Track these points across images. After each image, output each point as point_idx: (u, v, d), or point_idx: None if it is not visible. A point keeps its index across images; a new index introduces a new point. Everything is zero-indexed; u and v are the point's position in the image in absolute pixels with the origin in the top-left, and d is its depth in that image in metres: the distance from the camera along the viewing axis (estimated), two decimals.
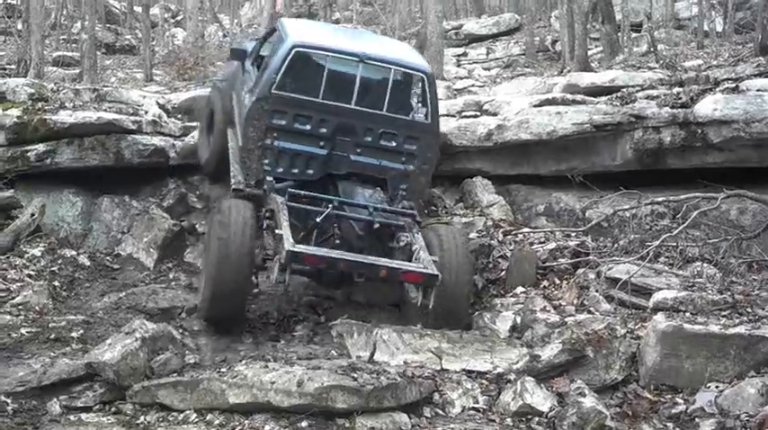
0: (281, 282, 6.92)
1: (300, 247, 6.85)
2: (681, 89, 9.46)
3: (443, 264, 7.18)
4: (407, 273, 6.99)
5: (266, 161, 7.95)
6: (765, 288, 7.20)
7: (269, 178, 7.81)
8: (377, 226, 7.53)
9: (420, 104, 8.29)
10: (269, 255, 7.12)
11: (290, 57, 7.93)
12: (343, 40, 8.57)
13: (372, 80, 8.24)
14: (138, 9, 20.04)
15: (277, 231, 7.08)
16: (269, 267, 7.09)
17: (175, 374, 6.17)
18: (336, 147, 8.05)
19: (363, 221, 7.60)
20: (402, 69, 8.25)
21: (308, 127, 7.97)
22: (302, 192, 7.64)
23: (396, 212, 7.82)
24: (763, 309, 6.83)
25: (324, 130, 7.99)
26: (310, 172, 8.05)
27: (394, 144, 8.13)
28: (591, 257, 8.11)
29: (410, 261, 7.21)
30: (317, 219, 7.42)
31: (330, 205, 7.48)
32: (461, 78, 17.41)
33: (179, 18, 25.02)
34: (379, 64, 8.13)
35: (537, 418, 6.03)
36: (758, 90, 8.68)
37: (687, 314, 6.73)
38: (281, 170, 7.98)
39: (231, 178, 8.28)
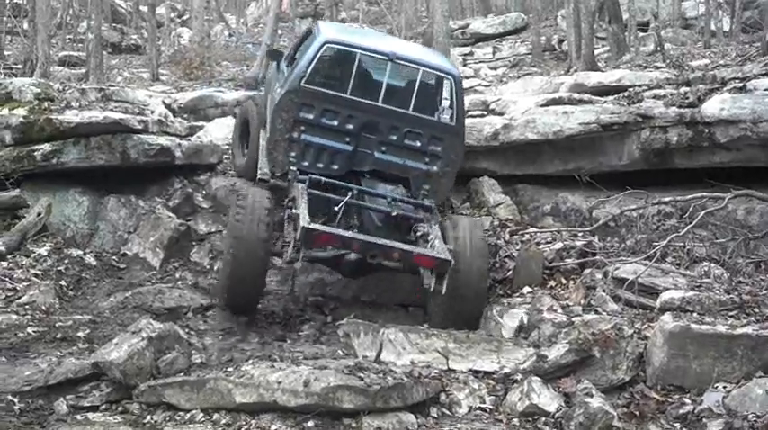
0: (294, 260, 7.08)
1: (316, 226, 6.97)
2: (688, 89, 9.43)
3: (458, 251, 7.28)
4: (420, 256, 7.07)
5: (292, 154, 8.04)
6: None
7: (293, 168, 7.90)
8: (394, 214, 7.63)
9: (446, 106, 8.34)
10: (287, 242, 7.22)
11: (321, 51, 8.08)
12: (374, 41, 8.72)
13: (400, 80, 8.39)
14: (144, 8, 20.11)
15: (293, 211, 7.20)
16: (286, 251, 7.19)
17: (182, 374, 6.17)
18: (361, 144, 8.13)
19: (382, 212, 7.70)
20: (430, 71, 8.33)
21: (335, 122, 8.06)
22: (323, 179, 7.74)
23: (414, 204, 7.93)
24: None
25: (350, 127, 8.07)
26: (335, 167, 8.12)
27: (418, 144, 8.19)
28: (598, 257, 8.09)
29: None
30: (336, 207, 7.51)
31: (350, 193, 7.54)
32: (468, 78, 17.42)
33: (185, 17, 25.09)
34: (408, 64, 8.25)
35: (544, 418, 6.02)
36: (765, 89, 8.66)
37: (694, 314, 6.71)
38: (306, 163, 8.05)
39: (258, 170, 8.38)
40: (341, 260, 7.42)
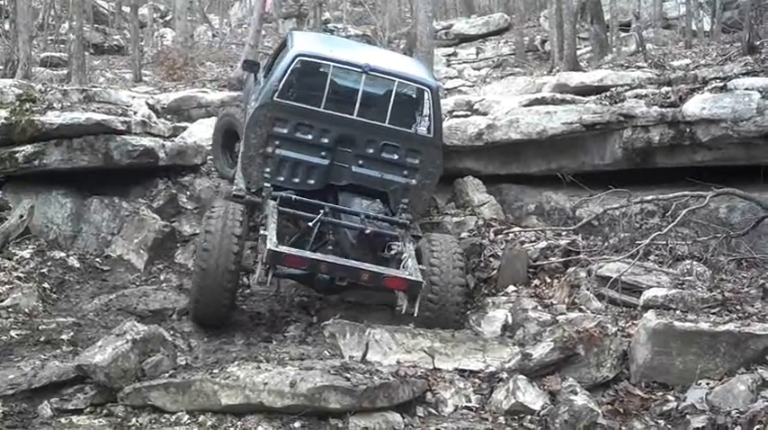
0: (263, 282, 7.05)
1: (282, 248, 6.89)
2: (669, 88, 9.49)
3: (433, 272, 7.21)
4: (389, 279, 7.00)
5: (267, 169, 7.95)
6: (754, 285, 7.25)
7: (267, 185, 7.79)
8: (368, 231, 7.55)
9: (423, 118, 8.31)
10: (258, 260, 7.15)
11: (293, 65, 8.00)
12: (349, 52, 8.56)
13: (375, 92, 8.29)
14: (127, 9, 19.99)
15: (261, 231, 7.13)
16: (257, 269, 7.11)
17: (167, 376, 6.14)
18: (338, 158, 8.06)
19: (356, 229, 7.63)
20: (405, 82, 8.28)
21: (310, 136, 7.99)
22: (294, 197, 7.65)
23: (388, 221, 7.83)
24: (753, 306, 6.88)
25: (325, 140, 7.99)
26: (311, 182, 8.05)
27: (396, 157, 8.12)
28: (581, 256, 8.14)
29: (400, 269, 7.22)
30: (309, 224, 7.45)
31: (321, 211, 7.49)
32: (451, 78, 17.48)
33: (168, 18, 24.96)
34: (383, 76, 8.17)
35: (529, 417, 6.06)
36: (746, 89, 8.71)
37: (677, 312, 6.77)
38: (281, 179, 7.98)
39: (234, 185, 8.30)
40: (314, 278, 7.36)
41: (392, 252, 7.53)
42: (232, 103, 12.78)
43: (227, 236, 6.99)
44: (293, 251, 7.00)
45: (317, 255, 7.08)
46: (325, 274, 7.14)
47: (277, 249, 6.80)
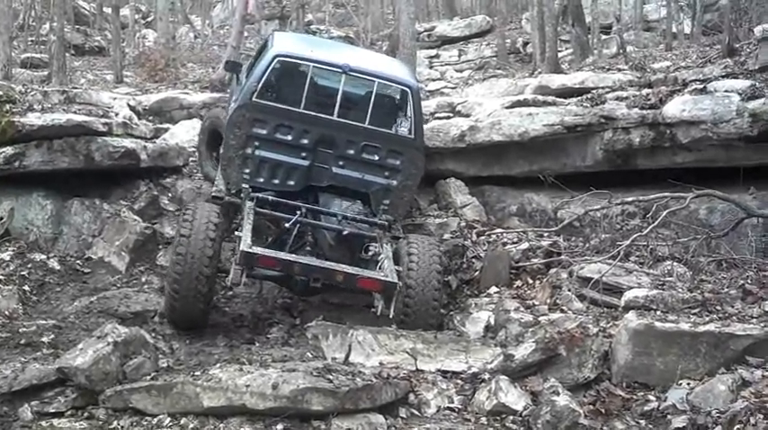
0: (237, 283, 7.04)
1: (256, 249, 6.86)
2: (650, 90, 9.56)
3: (410, 275, 7.19)
4: (364, 280, 7.00)
5: (246, 170, 7.92)
6: (734, 286, 7.30)
7: (245, 186, 7.74)
8: (346, 232, 7.54)
9: (404, 119, 8.29)
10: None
11: (272, 65, 7.96)
12: (329, 53, 8.53)
13: (355, 93, 8.28)
14: (108, 10, 19.86)
15: (236, 233, 7.10)
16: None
17: (149, 378, 6.11)
18: (318, 159, 8.03)
19: (334, 231, 7.60)
20: (385, 82, 8.26)
21: (290, 137, 7.95)
22: (270, 198, 7.63)
23: (366, 222, 7.80)
24: (733, 306, 6.93)
25: (305, 141, 7.96)
26: (291, 183, 8.02)
27: (377, 158, 8.10)
28: (563, 257, 8.18)
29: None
30: (286, 226, 7.43)
31: (298, 212, 7.47)
32: (434, 80, 17.52)
33: (149, 19, 24.83)
34: (363, 76, 8.14)
35: (511, 417, 6.07)
36: (726, 91, 8.79)
37: (658, 312, 6.80)
38: (261, 180, 7.95)
39: (213, 186, 8.25)
40: (291, 279, 7.34)
41: (369, 253, 7.52)
42: (214, 104, 12.74)
43: (202, 239, 6.93)
44: (267, 252, 6.97)
45: (291, 257, 7.05)
46: (300, 276, 7.12)
47: (250, 250, 6.77)
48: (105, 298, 7.92)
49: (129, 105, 12.25)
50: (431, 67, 19.38)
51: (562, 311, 7.25)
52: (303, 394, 5.68)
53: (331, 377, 5.84)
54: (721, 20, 12.99)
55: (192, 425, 5.70)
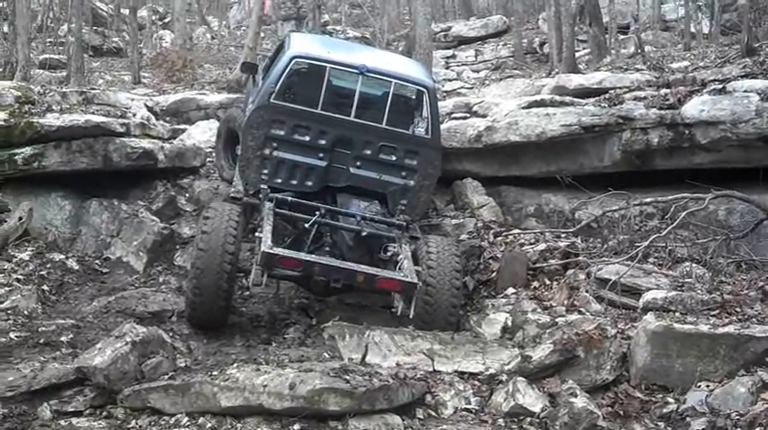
0: (258, 284, 7.03)
1: (277, 250, 6.89)
2: (668, 90, 9.50)
3: (429, 274, 7.19)
4: (384, 280, 7.01)
5: (265, 171, 7.95)
6: (754, 287, 7.25)
7: (263, 187, 7.77)
8: (364, 233, 7.55)
9: (421, 119, 8.29)
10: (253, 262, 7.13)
11: (290, 67, 7.99)
12: (346, 54, 8.55)
13: (372, 93, 8.29)
14: (126, 11, 20.00)
15: (257, 234, 7.13)
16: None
17: (166, 378, 6.14)
18: (336, 160, 8.05)
19: (353, 231, 7.61)
20: (402, 83, 8.26)
21: (307, 138, 7.98)
22: (289, 199, 7.65)
23: (384, 223, 7.81)
24: (752, 308, 6.88)
25: (323, 142, 7.99)
26: (309, 183, 8.05)
27: (394, 158, 8.11)
28: (581, 258, 8.14)
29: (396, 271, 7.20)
30: (306, 226, 7.45)
31: (317, 213, 7.48)
32: (450, 80, 17.50)
33: (167, 20, 24.96)
34: (379, 77, 8.16)
35: (529, 419, 6.06)
36: (745, 91, 8.73)
37: (677, 314, 6.76)
38: (279, 181, 7.97)
39: (231, 186, 8.28)
40: (310, 279, 7.35)
41: (389, 253, 7.52)
42: (231, 105, 12.78)
43: (224, 236, 6.98)
44: (288, 253, 7.00)
45: (312, 257, 7.07)
46: (321, 276, 7.13)
47: (271, 251, 6.80)
48: (123, 298, 7.96)
49: (146, 106, 12.31)
50: (447, 68, 19.37)
51: (580, 313, 7.21)
52: (320, 394, 5.69)
53: (348, 377, 5.85)
54: (740, 19, 12.90)
55: (209, 425, 5.73)
